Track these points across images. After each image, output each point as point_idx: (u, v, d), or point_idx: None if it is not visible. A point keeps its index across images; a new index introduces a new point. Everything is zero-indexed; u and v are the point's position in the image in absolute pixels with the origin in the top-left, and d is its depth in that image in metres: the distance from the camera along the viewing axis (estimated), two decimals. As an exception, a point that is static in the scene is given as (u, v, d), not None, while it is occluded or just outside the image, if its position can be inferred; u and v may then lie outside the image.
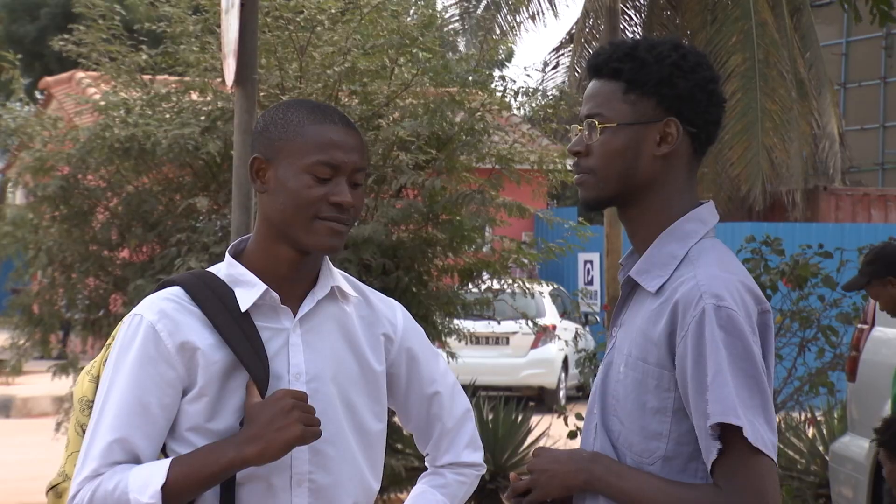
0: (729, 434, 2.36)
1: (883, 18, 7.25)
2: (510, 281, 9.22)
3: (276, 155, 2.64)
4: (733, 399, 2.35)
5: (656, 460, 2.44)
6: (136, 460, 2.56)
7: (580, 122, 2.58)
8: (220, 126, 8.58)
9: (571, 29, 20.42)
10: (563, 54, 20.99)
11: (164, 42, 9.27)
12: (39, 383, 17.91)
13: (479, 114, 8.94)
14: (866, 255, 6.21)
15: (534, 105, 9.88)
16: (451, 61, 9.10)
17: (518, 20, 19.63)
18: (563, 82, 20.29)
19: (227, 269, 2.68)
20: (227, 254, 2.70)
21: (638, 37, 21.42)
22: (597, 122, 2.53)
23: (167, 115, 8.79)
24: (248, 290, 2.63)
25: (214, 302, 2.61)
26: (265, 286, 2.63)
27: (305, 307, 2.67)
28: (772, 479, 2.38)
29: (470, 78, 8.85)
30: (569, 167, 9.54)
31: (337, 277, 2.72)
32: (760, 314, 2.45)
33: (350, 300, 2.74)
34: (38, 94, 25.55)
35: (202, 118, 8.71)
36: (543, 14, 19.76)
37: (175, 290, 2.64)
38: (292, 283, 2.66)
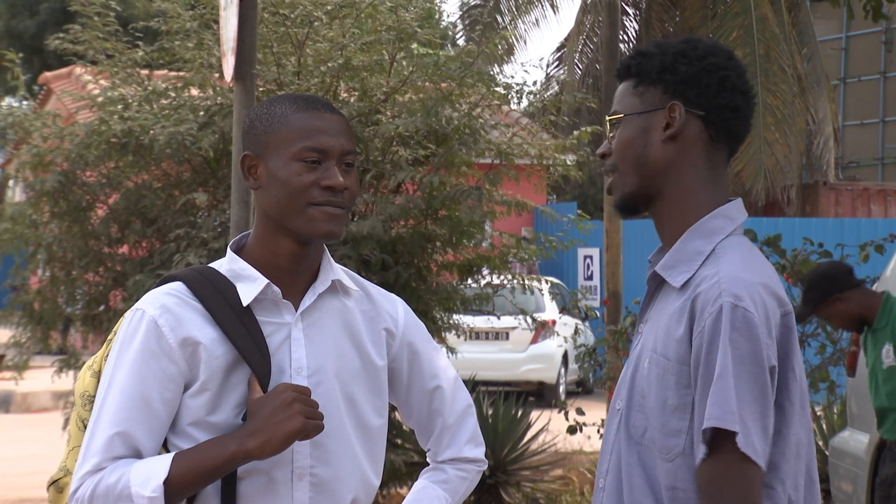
0: (722, 438, 2.35)
1: (876, 15, 7.28)
2: (510, 276, 9.21)
3: (265, 149, 2.65)
4: (733, 403, 2.34)
5: (675, 457, 2.42)
6: (138, 455, 2.55)
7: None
8: (217, 122, 8.57)
9: (578, 23, 20.42)
10: (564, 51, 20.99)
11: (161, 38, 9.26)
12: (39, 379, 17.89)
13: (479, 110, 8.91)
14: (803, 282, 6.24)
15: (534, 102, 9.88)
16: (442, 58, 9.03)
17: (520, 14, 19.63)
18: (565, 78, 20.29)
19: (228, 264, 2.68)
20: (228, 249, 2.70)
21: (637, 33, 21.31)
22: (607, 119, 2.61)
23: (165, 111, 8.78)
24: (250, 284, 2.63)
25: (216, 297, 2.61)
26: (266, 280, 2.63)
27: (307, 301, 2.67)
28: (757, 488, 2.36)
29: (466, 76, 8.82)
30: (568, 162, 9.53)
31: (337, 271, 2.72)
32: (783, 316, 2.44)
33: (351, 294, 2.74)
34: (36, 90, 25.55)
35: (200, 114, 8.70)
36: (546, 19, 19.82)
37: (177, 286, 2.64)
38: (293, 277, 2.66)
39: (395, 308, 2.81)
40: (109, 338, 2.70)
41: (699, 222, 2.51)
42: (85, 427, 2.65)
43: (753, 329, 2.37)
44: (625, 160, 2.56)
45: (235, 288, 2.63)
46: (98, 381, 2.67)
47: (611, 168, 2.59)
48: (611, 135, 2.60)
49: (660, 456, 2.44)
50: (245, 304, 2.61)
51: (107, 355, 2.67)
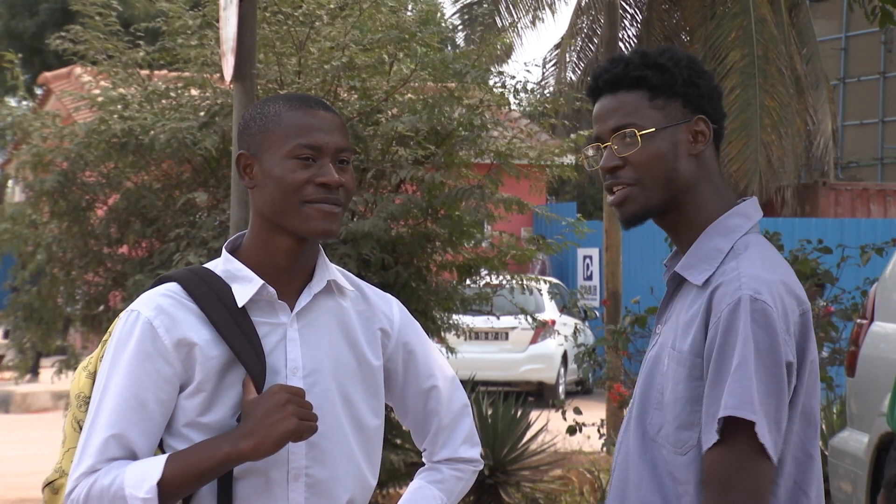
0: (736, 428, 2.35)
1: (884, 19, 7.24)
2: (509, 276, 9.21)
3: (259, 148, 2.65)
4: (752, 393, 2.35)
5: (689, 450, 2.44)
6: (133, 456, 2.55)
7: (602, 139, 2.60)
8: (217, 121, 8.57)
9: (574, 24, 20.40)
10: (559, 51, 20.96)
11: (162, 38, 9.26)
12: (39, 379, 17.90)
13: (479, 110, 8.92)
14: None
15: (532, 101, 9.88)
16: (448, 56, 9.05)
17: (518, 16, 19.65)
18: (563, 77, 20.29)
19: (223, 264, 2.68)
20: (223, 249, 2.70)
21: (634, 38, 21.25)
22: (636, 132, 2.55)
23: (165, 111, 8.78)
24: (245, 285, 2.63)
25: (211, 297, 2.61)
26: (262, 281, 2.63)
27: (302, 301, 2.66)
28: (767, 484, 2.38)
29: (468, 74, 8.82)
30: (566, 162, 9.53)
31: (333, 271, 2.72)
32: (801, 315, 2.47)
33: (346, 295, 2.74)
34: (36, 90, 25.55)
35: (201, 114, 8.70)
36: (542, 20, 19.76)
37: (172, 286, 2.64)
38: (289, 277, 2.66)
39: (391, 308, 2.81)
40: (104, 338, 2.69)
41: (717, 221, 2.55)
42: (80, 428, 2.64)
43: (772, 323, 2.39)
44: (654, 175, 2.54)
45: (230, 288, 2.63)
46: (93, 382, 2.67)
47: (631, 181, 2.55)
48: (616, 147, 2.55)
49: (673, 450, 2.46)
50: (240, 305, 2.61)
51: (102, 356, 2.67)
